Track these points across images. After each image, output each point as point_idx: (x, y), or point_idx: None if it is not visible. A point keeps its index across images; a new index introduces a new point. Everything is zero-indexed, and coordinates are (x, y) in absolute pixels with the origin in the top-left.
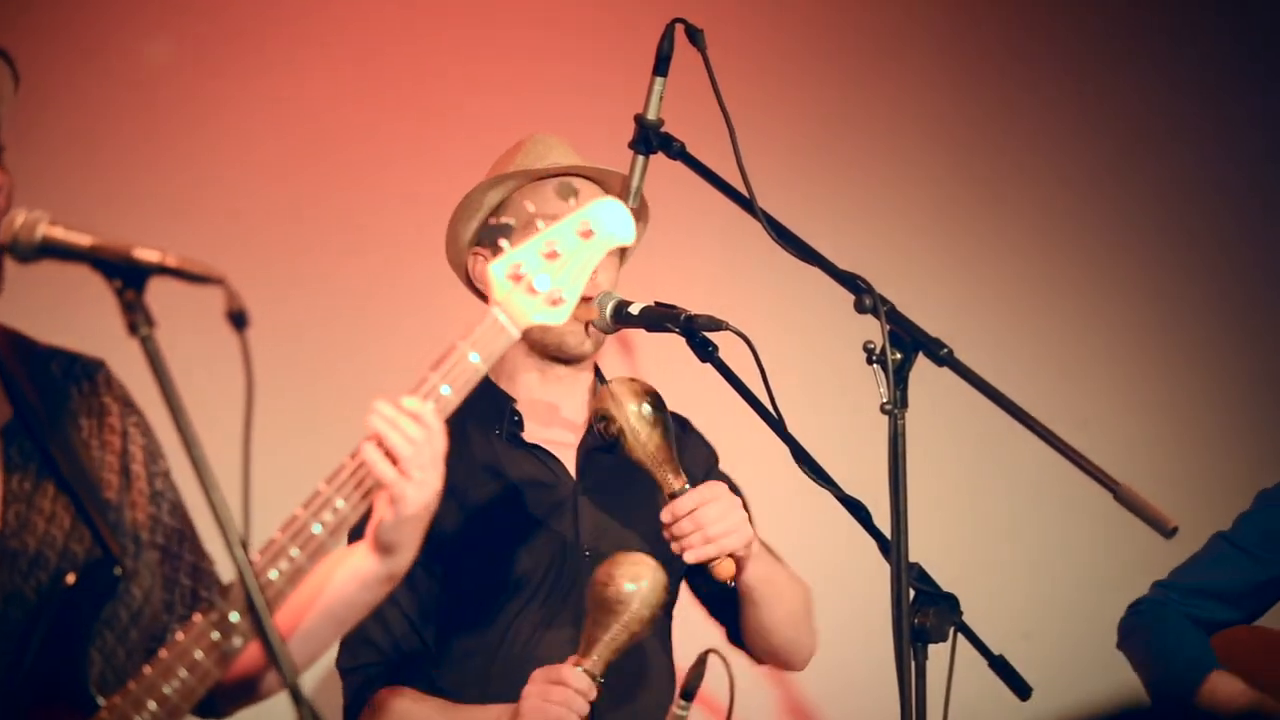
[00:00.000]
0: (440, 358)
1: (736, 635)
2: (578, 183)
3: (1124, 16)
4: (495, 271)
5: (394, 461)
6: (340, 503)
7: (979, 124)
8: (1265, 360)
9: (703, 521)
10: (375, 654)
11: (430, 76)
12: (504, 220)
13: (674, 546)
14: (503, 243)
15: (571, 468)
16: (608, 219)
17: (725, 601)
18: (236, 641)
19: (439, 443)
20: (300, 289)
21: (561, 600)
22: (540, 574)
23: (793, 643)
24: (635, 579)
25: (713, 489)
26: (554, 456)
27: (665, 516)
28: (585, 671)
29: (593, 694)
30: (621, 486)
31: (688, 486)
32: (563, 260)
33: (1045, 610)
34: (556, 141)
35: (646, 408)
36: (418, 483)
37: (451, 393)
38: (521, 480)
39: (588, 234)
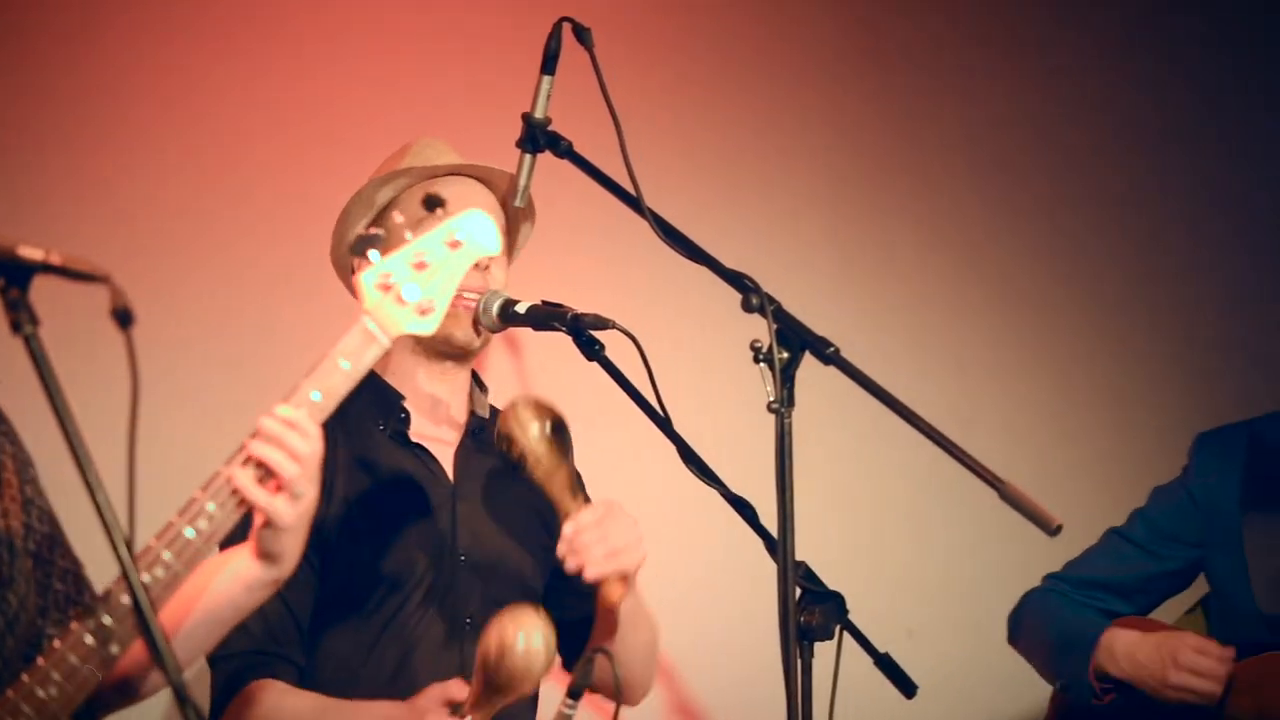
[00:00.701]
0: (313, 366)
1: (573, 664)
2: (448, 192)
3: (1015, 19)
4: (365, 281)
5: (276, 479)
6: (213, 508)
7: (867, 123)
8: (1149, 358)
9: (606, 535)
10: (249, 643)
11: (320, 78)
12: (373, 231)
13: (571, 562)
14: (371, 253)
15: (450, 468)
16: (475, 230)
17: (571, 628)
18: (114, 648)
19: (317, 452)
20: (188, 288)
21: (437, 602)
22: (416, 576)
23: (640, 676)
24: (528, 650)
25: (610, 505)
26: (434, 458)
27: (567, 530)
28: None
29: None
30: (498, 490)
31: (581, 508)
32: (431, 270)
33: (930, 608)
34: (444, 145)
35: (548, 428)
36: (294, 499)
37: (322, 399)
38: (403, 479)
39: (455, 245)
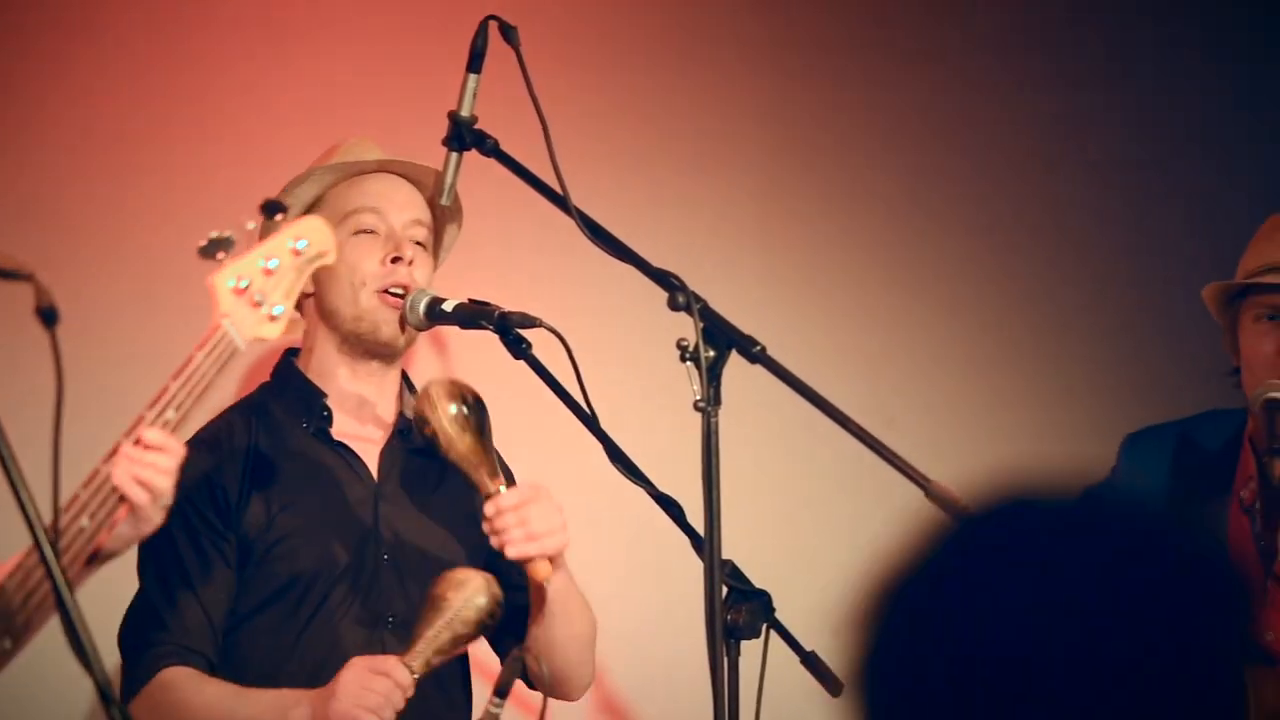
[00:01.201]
0: (179, 368)
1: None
2: (373, 189)
3: (926, 19)
4: (220, 284)
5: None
6: (89, 515)
7: (794, 124)
8: (1074, 358)
9: (526, 518)
10: (163, 634)
11: (247, 74)
12: (225, 234)
13: (494, 541)
14: (221, 256)
15: (374, 467)
16: (315, 237)
17: (505, 619)
18: (7, 643)
19: (171, 479)
20: (113, 286)
21: (359, 602)
22: (337, 575)
23: (576, 666)
24: (465, 581)
25: (536, 489)
26: (358, 456)
27: (489, 510)
28: (406, 665)
29: (411, 691)
30: (424, 489)
31: (503, 488)
32: (278, 276)
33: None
34: (371, 144)
35: (461, 408)
36: (161, 510)
37: (176, 415)
38: (324, 478)
39: (297, 252)
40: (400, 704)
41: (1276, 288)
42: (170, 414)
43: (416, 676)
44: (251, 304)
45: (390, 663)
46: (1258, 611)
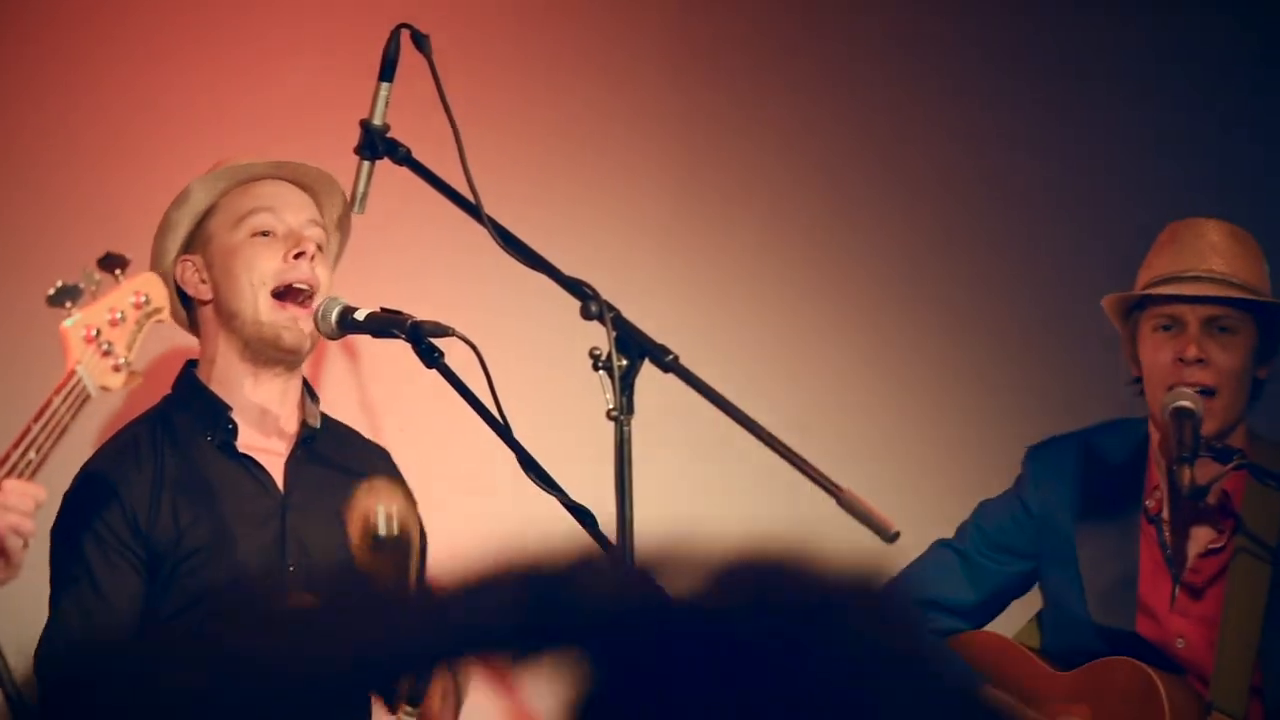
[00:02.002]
0: (39, 411)
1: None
2: (264, 193)
3: (851, 25)
4: (72, 333)
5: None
6: None
7: (706, 130)
8: (982, 369)
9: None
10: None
11: (148, 79)
12: (72, 284)
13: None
14: (69, 304)
15: (280, 478)
16: (154, 292)
17: None
18: None
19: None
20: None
21: None
22: (245, 588)
23: None
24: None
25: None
26: (263, 468)
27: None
28: None
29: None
30: (330, 499)
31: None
32: (122, 329)
33: None
34: (256, 158)
35: (387, 531)
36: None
37: (38, 457)
38: (232, 491)
39: (139, 305)
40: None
41: (1170, 299)
42: (32, 455)
43: None
44: (101, 353)
45: None
46: (1169, 621)
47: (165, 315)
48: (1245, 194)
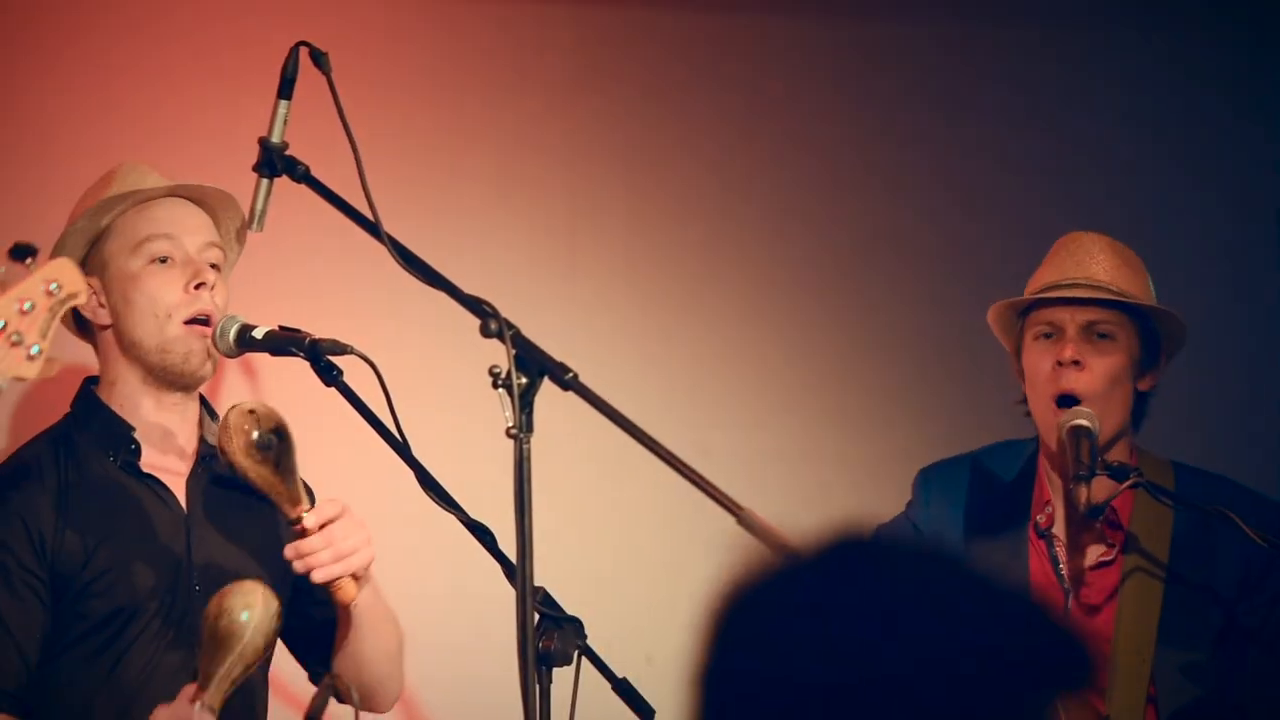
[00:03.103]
0: None
1: (317, 677)
2: (162, 214)
3: (727, 42)
4: None
5: None
6: None
7: (602, 145)
8: (891, 387)
9: (332, 538)
10: None
11: (34, 93)
12: None
13: (298, 565)
14: None
15: (182, 498)
16: (66, 278)
17: (314, 638)
18: None
19: None
20: None
21: (172, 634)
22: (152, 607)
23: (385, 679)
24: (247, 608)
25: (336, 505)
26: (166, 487)
27: (294, 538)
28: (205, 706)
29: None
30: (233, 516)
31: (306, 514)
32: (33, 317)
33: (669, 634)
34: (147, 169)
35: (255, 438)
36: None
37: None
38: (136, 511)
39: (50, 293)
40: None
41: (1052, 302)
42: None
43: (216, 714)
44: (10, 344)
45: (191, 712)
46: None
47: (81, 299)
48: (1149, 210)
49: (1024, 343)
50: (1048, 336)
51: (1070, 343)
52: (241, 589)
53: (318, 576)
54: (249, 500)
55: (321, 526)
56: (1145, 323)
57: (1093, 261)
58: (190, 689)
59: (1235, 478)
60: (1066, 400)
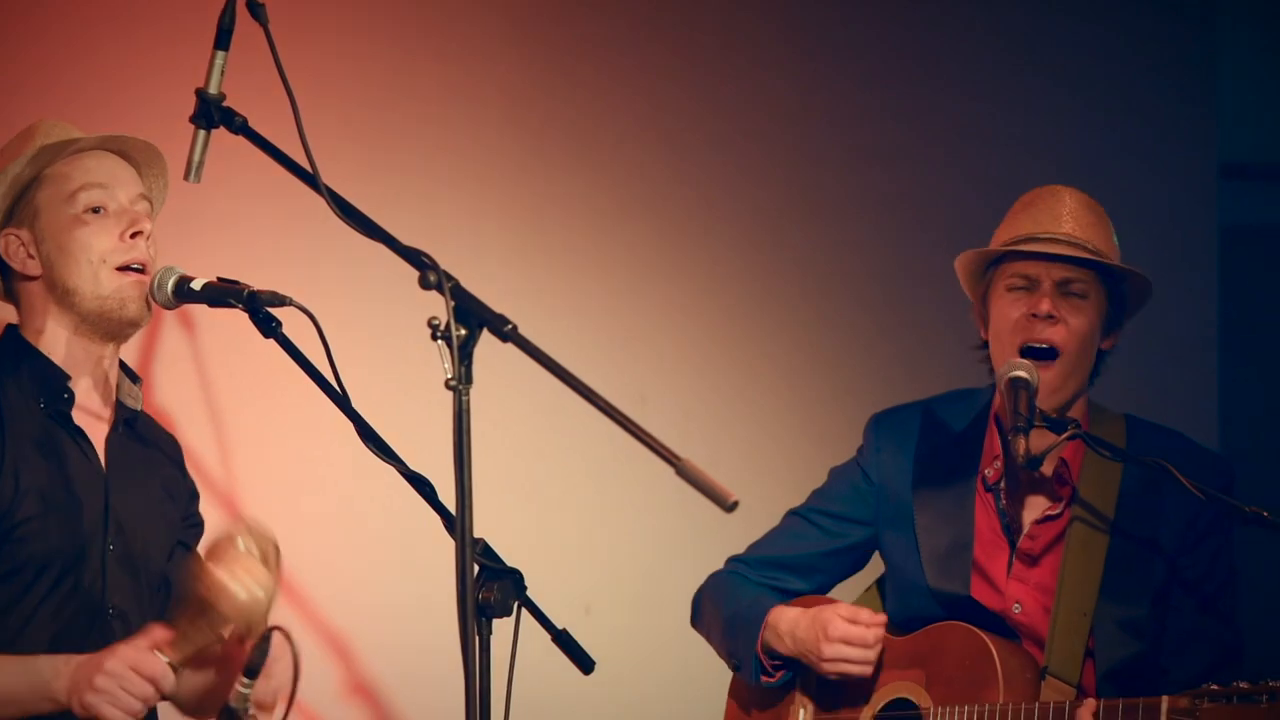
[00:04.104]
0: None
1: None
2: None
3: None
4: None
5: None
6: None
7: (550, 100)
8: (823, 338)
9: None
10: None
11: None
12: None
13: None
14: None
15: (102, 455)
16: None
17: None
18: None
19: None
20: None
21: (84, 592)
22: (67, 564)
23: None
24: (265, 588)
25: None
26: (90, 443)
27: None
28: (171, 665)
29: (171, 686)
30: (144, 477)
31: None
32: None
33: (608, 584)
34: (68, 125)
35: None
36: None
37: None
38: (63, 463)
39: None
40: (157, 701)
41: (1028, 255)
42: None
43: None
44: None
45: (155, 665)
46: (1006, 587)
47: None
48: (1084, 164)
49: (993, 290)
50: (1021, 288)
51: (1046, 296)
52: (252, 566)
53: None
54: (158, 457)
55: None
56: (1115, 284)
57: (1068, 216)
58: (156, 636)
59: (1170, 424)
60: (1032, 352)
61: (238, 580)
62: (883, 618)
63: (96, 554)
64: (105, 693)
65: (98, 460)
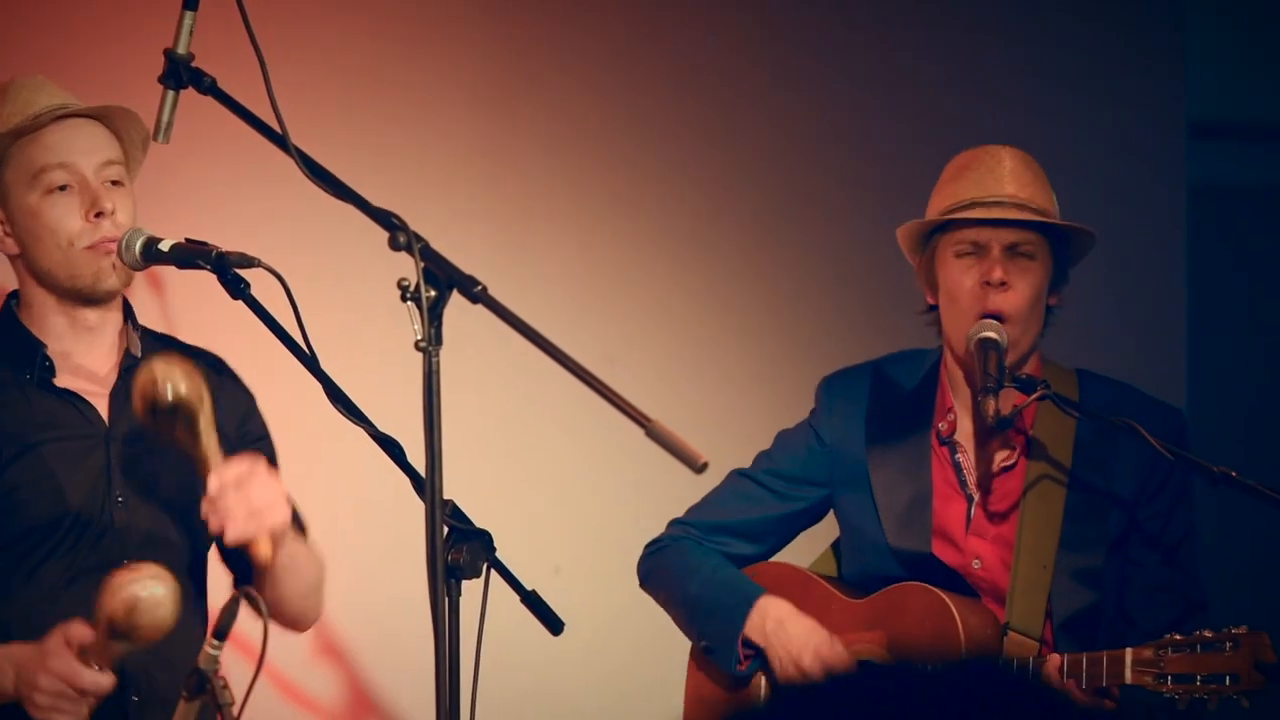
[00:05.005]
0: None
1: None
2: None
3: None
4: None
5: None
6: None
7: (520, 61)
8: (785, 300)
9: (247, 494)
10: None
11: None
12: None
13: (213, 522)
14: None
15: (105, 412)
16: None
17: (243, 572)
18: None
19: None
20: None
21: (91, 548)
22: (69, 522)
23: (301, 614)
24: (153, 608)
25: (245, 463)
26: (87, 402)
27: (211, 488)
28: (98, 670)
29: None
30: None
31: (210, 473)
32: None
33: (577, 546)
34: (43, 80)
35: (155, 399)
36: None
37: None
38: (54, 427)
39: None
40: (82, 707)
41: (972, 222)
42: None
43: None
44: None
45: (88, 680)
46: (965, 542)
47: None
48: (1050, 117)
49: (940, 257)
50: (969, 254)
51: (997, 264)
52: (147, 578)
53: (230, 536)
54: None
55: (237, 482)
56: (1060, 239)
57: (1010, 177)
58: (76, 633)
59: (1139, 385)
60: (995, 319)
61: (137, 581)
62: None
63: (103, 509)
64: (47, 709)
65: (99, 418)
